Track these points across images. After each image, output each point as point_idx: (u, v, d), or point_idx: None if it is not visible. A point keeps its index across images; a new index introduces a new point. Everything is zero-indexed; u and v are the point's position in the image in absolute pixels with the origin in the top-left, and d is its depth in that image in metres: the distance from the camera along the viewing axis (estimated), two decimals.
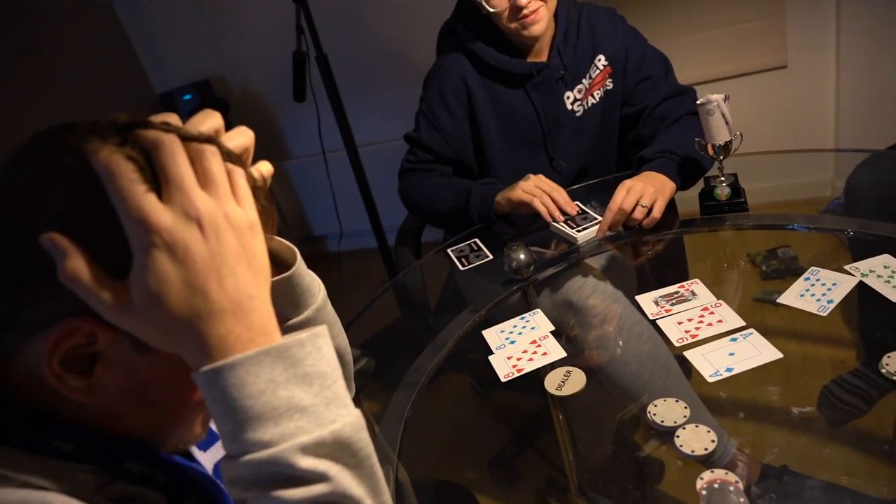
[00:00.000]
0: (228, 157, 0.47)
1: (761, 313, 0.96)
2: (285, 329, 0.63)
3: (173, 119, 0.47)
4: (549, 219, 1.25)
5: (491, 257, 1.28)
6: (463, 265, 1.29)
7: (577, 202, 1.29)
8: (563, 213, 1.26)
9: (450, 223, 1.47)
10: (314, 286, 0.66)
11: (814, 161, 1.77)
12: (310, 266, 0.67)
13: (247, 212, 0.46)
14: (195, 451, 0.61)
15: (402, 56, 2.63)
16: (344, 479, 0.44)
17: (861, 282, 0.94)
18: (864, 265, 0.96)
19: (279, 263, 0.62)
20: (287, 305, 0.64)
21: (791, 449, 0.95)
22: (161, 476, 0.51)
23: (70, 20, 2.72)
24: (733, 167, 1.23)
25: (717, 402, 0.90)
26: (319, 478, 0.43)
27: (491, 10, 1.28)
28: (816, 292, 0.94)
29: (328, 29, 2.00)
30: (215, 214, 0.44)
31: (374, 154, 2.31)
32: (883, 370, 0.82)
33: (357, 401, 1.29)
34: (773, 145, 1.78)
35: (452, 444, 1.17)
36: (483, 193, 1.35)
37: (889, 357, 0.83)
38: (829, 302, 0.91)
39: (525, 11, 1.25)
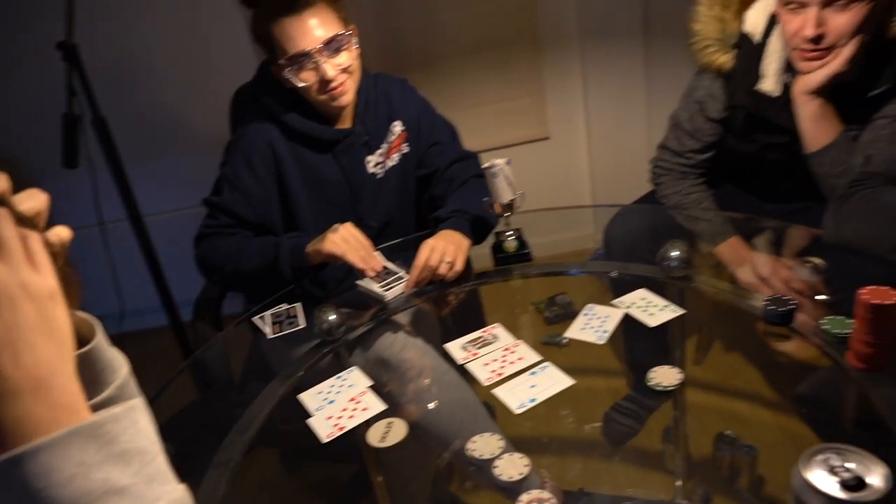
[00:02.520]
0: (21, 220, 0.43)
1: (550, 355, 1.07)
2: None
3: None
4: (359, 268, 1.25)
5: (303, 325, 1.26)
6: (274, 332, 1.25)
7: (384, 259, 1.34)
8: (371, 268, 1.29)
9: (256, 283, 1.41)
10: (116, 361, 0.61)
11: (580, 217, 2.07)
12: None
13: (45, 279, 0.42)
14: None
15: (187, 124, 2.52)
16: None
17: (626, 313, 1.11)
18: (626, 299, 1.14)
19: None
20: (86, 384, 0.57)
21: (585, 472, 1.07)
22: None
23: None
24: (517, 223, 1.38)
25: (521, 437, 0.98)
26: None
27: (300, 84, 1.31)
28: (594, 325, 1.08)
29: (106, 89, 1.86)
30: (8, 283, 0.39)
31: (160, 224, 2.15)
32: (649, 384, 0.96)
33: None
34: (541, 204, 2.03)
35: None
36: (293, 246, 1.33)
37: (653, 372, 0.98)
38: (605, 332, 1.06)
39: (333, 84, 1.30)
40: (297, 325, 1.26)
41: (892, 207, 1.00)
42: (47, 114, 1.80)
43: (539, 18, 2.46)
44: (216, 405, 1.28)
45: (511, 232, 1.34)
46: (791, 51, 1.27)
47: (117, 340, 0.61)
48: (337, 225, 1.30)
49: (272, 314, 1.30)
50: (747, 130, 1.43)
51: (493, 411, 1.00)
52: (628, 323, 1.10)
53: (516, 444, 0.93)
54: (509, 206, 1.30)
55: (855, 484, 0.55)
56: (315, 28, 1.26)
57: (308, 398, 1.03)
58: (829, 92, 1.25)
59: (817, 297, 1.12)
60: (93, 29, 1.85)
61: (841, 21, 1.17)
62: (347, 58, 1.31)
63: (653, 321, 1.07)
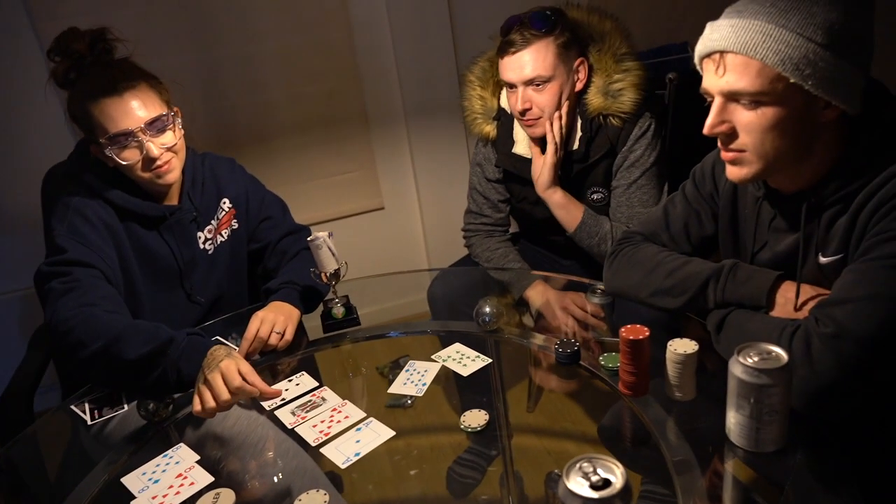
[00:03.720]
0: None
1: (394, 417, 1.13)
2: None
3: None
4: (202, 415, 1.13)
5: (126, 408, 1.22)
6: (94, 417, 1.20)
7: (217, 337, 1.35)
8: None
9: (124, 377, 1.21)
10: None
11: (417, 281, 2.18)
12: None
13: None
14: None
15: None
16: None
17: (443, 365, 1.22)
18: (443, 353, 1.26)
19: None
20: None
21: None
22: None
23: None
24: (346, 290, 1.47)
25: (363, 500, 1.02)
26: None
27: (123, 163, 1.30)
28: (414, 379, 1.18)
29: None
30: None
31: None
32: (462, 426, 1.07)
33: None
34: (382, 271, 2.14)
35: None
36: (190, 348, 1.18)
37: (464, 416, 1.09)
38: (424, 384, 1.17)
39: (159, 163, 1.31)
40: (121, 408, 1.22)
41: (645, 262, 1.22)
42: None
43: (366, 99, 2.64)
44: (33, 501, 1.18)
45: (338, 299, 1.42)
46: (518, 120, 1.62)
47: None
48: (221, 355, 1.16)
49: (91, 399, 1.25)
50: (518, 188, 1.71)
51: (341, 482, 1.02)
52: (458, 377, 1.21)
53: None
54: (335, 275, 1.38)
55: (601, 484, 0.68)
56: (137, 109, 1.29)
57: (130, 481, 1.01)
58: (566, 168, 1.61)
59: (602, 326, 1.34)
60: None
61: (540, 98, 1.53)
62: (172, 137, 1.34)
63: (465, 371, 1.20)
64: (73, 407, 1.24)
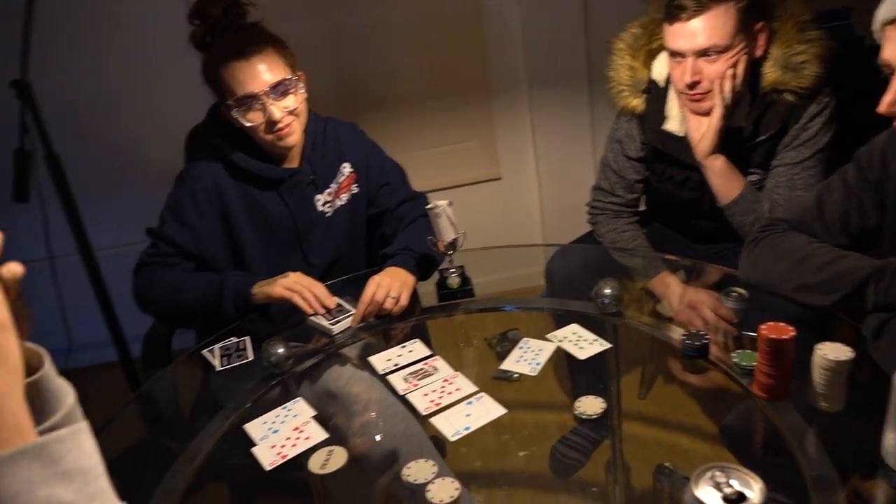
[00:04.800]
0: None
1: (499, 388, 1.12)
2: None
3: None
4: (309, 311, 1.32)
5: (251, 358, 1.29)
6: (223, 364, 1.28)
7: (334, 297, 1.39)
8: (322, 305, 1.34)
9: (195, 317, 1.43)
10: (63, 390, 0.64)
11: (531, 255, 2.15)
12: None
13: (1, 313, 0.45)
14: None
15: (140, 160, 2.54)
16: None
17: (558, 346, 1.18)
18: (559, 333, 1.21)
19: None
20: (33, 411, 0.61)
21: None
22: None
23: None
24: (462, 260, 1.45)
25: (470, 472, 1.02)
26: None
27: (247, 124, 1.36)
28: (528, 357, 1.15)
29: (60, 126, 1.88)
30: None
31: (111, 259, 2.14)
32: (575, 412, 1.03)
33: None
34: (495, 243, 2.12)
35: None
36: (237, 284, 1.36)
37: (579, 402, 1.05)
38: (538, 364, 1.13)
39: (280, 125, 1.36)
40: (246, 358, 1.29)
41: (792, 252, 1.10)
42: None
43: (489, 66, 2.59)
44: (163, 439, 1.29)
45: (454, 269, 1.40)
46: (679, 96, 1.45)
47: (64, 376, 0.64)
48: (288, 272, 1.36)
49: (221, 347, 1.33)
50: (662, 168, 1.57)
51: (444, 447, 1.03)
52: (571, 358, 1.17)
53: (465, 477, 0.96)
54: (452, 245, 1.37)
55: (736, 498, 0.62)
56: (263, 72, 1.32)
57: (253, 428, 1.06)
58: (725, 144, 1.42)
59: (732, 332, 1.22)
60: (48, 67, 1.88)
61: (712, 69, 1.36)
62: (294, 101, 1.37)
63: (582, 354, 1.15)
64: (204, 353, 1.32)
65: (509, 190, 2.79)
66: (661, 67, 1.51)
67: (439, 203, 1.33)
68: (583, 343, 1.18)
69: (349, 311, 1.35)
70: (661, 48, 1.48)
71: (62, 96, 2.19)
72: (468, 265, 1.46)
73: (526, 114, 2.66)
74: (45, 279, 2.33)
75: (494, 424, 1.03)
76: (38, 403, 0.60)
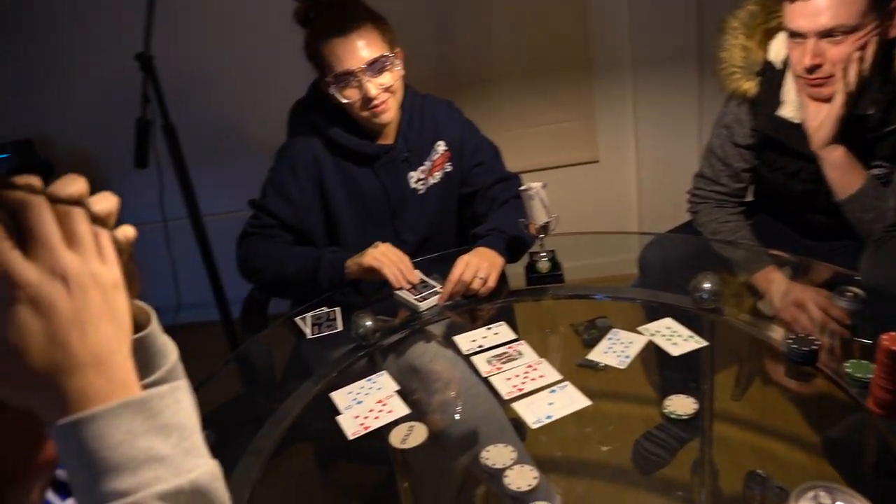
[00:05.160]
0: (94, 219, 0.50)
1: (584, 377, 1.09)
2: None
3: (36, 181, 0.50)
4: (396, 284, 1.34)
5: (340, 328, 1.32)
6: (314, 332, 1.32)
7: (420, 273, 1.40)
8: (407, 281, 1.35)
9: (291, 289, 1.50)
10: (167, 348, 0.68)
11: (624, 243, 2.08)
12: None
13: (111, 271, 0.48)
14: None
15: (250, 130, 2.66)
16: None
17: (650, 340, 1.13)
18: (651, 327, 1.16)
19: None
20: (139, 366, 0.65)
21: (611, 497, 1.09)
22: None
23: None
24: (553, 245, 1.42)
25: (549, 460, 1.01)
26: None
27: (344, 101, 1.39)
28: (617, 349, 1.11)
29: (176, 97, 2.00)
30: (81, 272, 0.45)
31: (218, 224, 2.27)
32: (664, 411, 0.99)
33: None
34: (588, 228, 2.06)
35: None
36: (333, 259, 1.41)
37: (669, 400, 1.00)
38: (627, 357, 1.09)
39: (375, 102, 1.37)
40: (335, 328, 1.33)
41: None
42: (123, 118, 1.94)
43: (593, 44, 2.49)
44: (257, 399, 1.35)
45: (545, 253, 1.37)
46: (797, 80, 1.32)
47: (171, 331, 0.68)
48: (378, 242, 1.38)
49: (312, 316, 1.38)
50: (773, 157, 1.45)
51: (525, 432, 1.02)
52: (662, 353, 1.12)
53: (544, 465, 0.95)
54: (544, 228, 1.34)
55: None
56: (361, 49, 1.34)
57: (338, 397, 1.09)
58: (847, 133, 1.28)
59: (844, 334, 1.12)
60: (168, 41, 1.99)
61: (836, 52, 1.23)
62: (390, 78, 1.38)
63: (675, 350, 1.09)
64: (296, 320, 1.37)
65: (607, 174, 2.71)
66: (778, 48, 1.39)
67: (533, 185, 1.31)
68: (676, 339, 1.12)
69: (436, 289, 1.36)
70: (780, 27, 1.36)
71: (179, 69, 2.32)
72: (559, 250, 1.43)
73: (629, 94, 2.56)
74: (158, 241, 2.51)
75: (577, 414, 1.00)
76: (144, 359, 0.64)
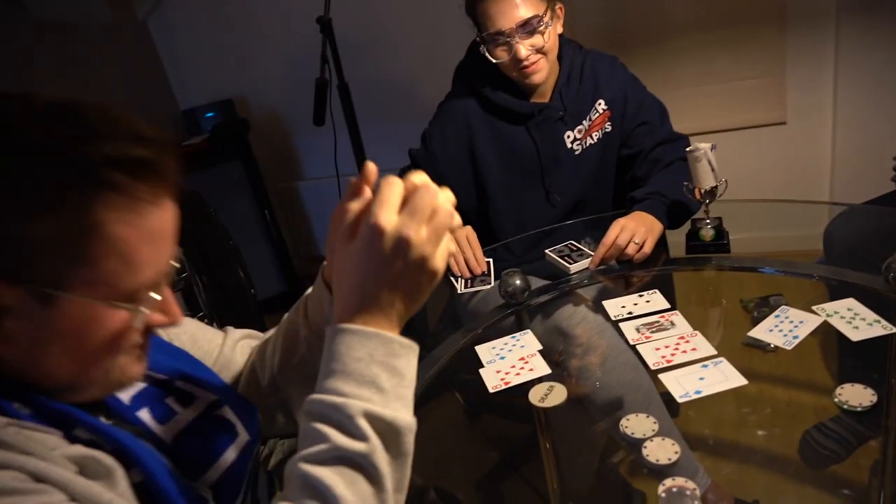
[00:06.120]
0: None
1: (749, 357, 1.01)
2: None
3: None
4: (458, 273, 1.40)
5: (492, 284, 1.35)
6: (466, 286, 1.36)
7: (571, 241, 1.38)
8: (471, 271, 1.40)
9: None
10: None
11: (810, 214, 1.87)
12: (312, 285, 0.76)
13: (439, 265, 0.57)
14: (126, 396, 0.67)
15: (418, 90, 2.75)
16: (380, 455, 0.54)
17: (825, 321, 1.01)
18: (830, 307, 1.04)
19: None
20: None
21: (767, 486, 1.01)
22: (106, 445, 0.58)
23: (108, 35, 2.87)
24: (720, 211, 1.32)
25: (698, 438, 0.96)
26: (364, 439, 0.53)
27: (494, 60, 1.39)
28: (784, 328, 1.01)
29: (351, 58, 2.11)
30: (423, 250, 0.56)
31: None
32: (836, 400, 0.89)
33: None
34: (772, 197, 1.87)
35: (441, 464, 1.22)
36: None
37: (841, 388, 0.90)
38: (795, 337, 0.98)
39: (525, 63, 1.35)
40: (487, 284, 1.36)
41: None
42: (307, 78, 2.10)
43: None
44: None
45: (709, 220, 1.28)
46: None
47: None
48: (468, 226, 1.41)
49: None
50: None
51: (677, 406, 0.97)
52: (842, 337, 1.00)
53: (693, 441, 0.91)
54: (711, 193, 1.25)
55: None
56: (514, 8, 1.31)
57: (483, 350, 1.12)
58: None
59: None
60: (346, 3, 2.10)
61: None
62: (542, 39, 1.34)
63: (856, 335, 0.97)
64: (449, 276, 1.42)
65: (794, 137, 2.43)
66: None
67: (701, 146, 1.21)
68: (859, 321, 0.99)
69: (589, 254, 1.33)
70: None
71: (353, 31, 2.45)
72: (728, 218, 1.32)
73: (830, 47, 2.26)
74: (332, 194, 2.71)
75: (736, 394, 0.93)
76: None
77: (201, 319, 1.68)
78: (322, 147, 2.52)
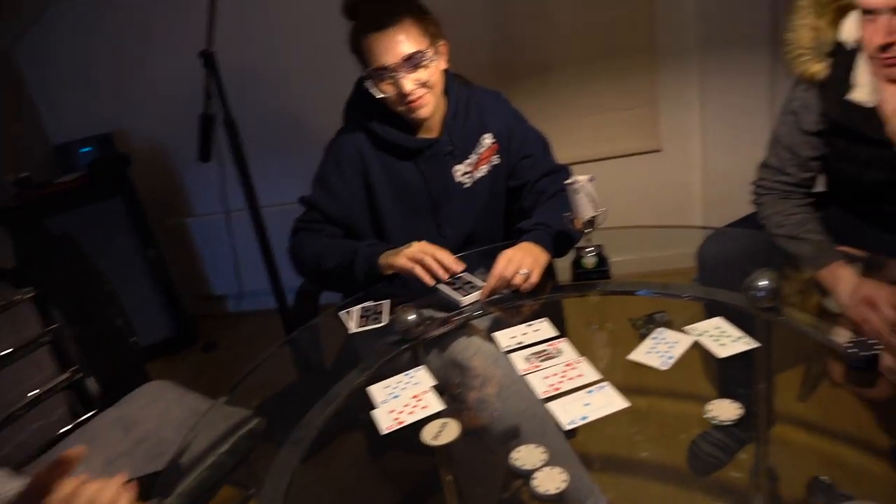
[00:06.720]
0: None
1: (638, 374, 1.05)
2: None
3: None
4: (430, 282, 1.33)
5: (385, 322, 1.33)
6: (360, 325, 1.34)
7: (465, 271, 1.39)
8: (451, 275, 1.34)
9: (334, 281, 1.52)
10: None
11: (686, 236, 2.00)
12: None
13: None
14: None
15: (307, 123, 2.72)
16: None
17: (696, 341, 1.08)
18: (699, 326, 1.11)
19: None
20: None
21: (660, 497, 1.06)
22: None
23: None
24: (602, 239, 1.38)
25: (595, 457, 0.99)
26: None
27: (379, 95, 1.39)
28: (661, 349, 1.07)
29: (237, 92, 2.06)
30: None
31: (276, 215, 2.33)
32: (706, 416, 0.94)
33: (246, 462, 1.28)
34: (652, 219, 1.99)
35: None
36: (368, 254, 1.42)
37: (711, 405, 0.96)
38: (670, 358, 1.04)
39: (410, 98, 1.37)
40: (380, 322, 1.34)
41: None
42: (190, 113, 2.02)
43: (657, 26, 2.40)
44: (305, 386, 1.38)
45: (591, 248, 1.34)
46: (871, 61, 1.24)
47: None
48: (413, 242, 1.39)
49: (361, 308, 1.39)
50: (844, 144, 1.36)
51: (575, 430, 0.98)
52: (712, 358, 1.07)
53: (592, 463, 0.93)
54: (590, 223, 1.30)
55: None
56: (398, 44, 1.33)
57: (376, 391, 1.10)
58: None
59: None
60: (229, 39, 2.05)
61: None
62: (426, 74, 1.37)
63: (723, 352, 1.04)
64: (340, 314, 1.39)
65: (669, 163, 2.61)
66: (850, 27, 1.30)
67: (579, 178, 1.27)
68: (725, 339, 1.07)
69: (479, 285, 1.35)
70: (852, 5, 1.27)
71: (238, 65, 2.40)
72: (612, 244, 1.38)
73: (694, 80, 2.46)
74: (221, 230, 2.62)
75: (628, 412, 0.96)
76: None
77: (74, 373, 1.55)
78: (211, 182, 2.43)
